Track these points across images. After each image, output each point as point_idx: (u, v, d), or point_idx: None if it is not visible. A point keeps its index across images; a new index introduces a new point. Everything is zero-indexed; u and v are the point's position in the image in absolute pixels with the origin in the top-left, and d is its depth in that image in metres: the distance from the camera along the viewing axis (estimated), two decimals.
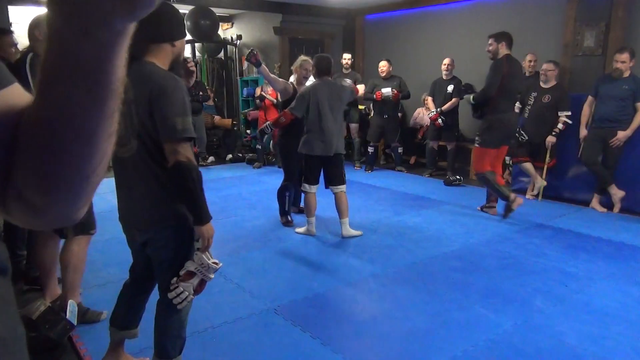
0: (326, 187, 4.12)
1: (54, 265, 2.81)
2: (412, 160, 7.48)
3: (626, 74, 4.65)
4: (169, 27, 1.80)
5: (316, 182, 4.07)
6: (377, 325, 2.68)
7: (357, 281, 3.24)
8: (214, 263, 1.91)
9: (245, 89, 8.25)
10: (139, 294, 2.15)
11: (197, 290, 1.91)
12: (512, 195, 4.46)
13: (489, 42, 4.48)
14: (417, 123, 7.22)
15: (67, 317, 2.45)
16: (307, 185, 4.05)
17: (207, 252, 1.90)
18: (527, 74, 5.87)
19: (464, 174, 6.37)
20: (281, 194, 4.40)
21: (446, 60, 6.31)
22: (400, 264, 3.53)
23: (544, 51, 5.75)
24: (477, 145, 4.63)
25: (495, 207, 4.81)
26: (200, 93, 7.03)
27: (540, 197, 5.30)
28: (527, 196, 5.44)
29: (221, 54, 8.53)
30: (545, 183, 5.25)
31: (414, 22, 7.60)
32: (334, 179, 4.03)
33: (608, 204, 4.91)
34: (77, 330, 2.49)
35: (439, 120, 6.27)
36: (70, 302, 2.64)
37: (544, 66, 5.13)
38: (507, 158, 5.85)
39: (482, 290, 3.07)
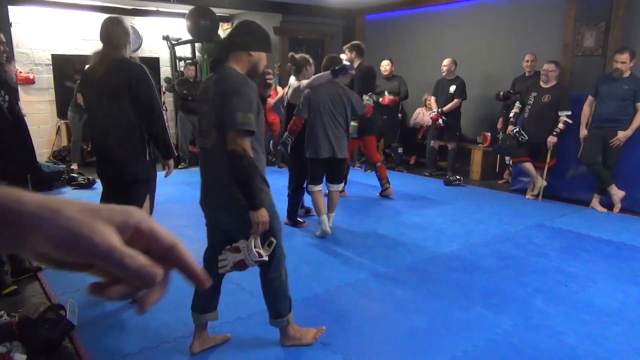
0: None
1: None
2: (412, 160, 7.48)
3: (626, 74, 4.65)
4: (249, 39, 2.13)
5: (320, 182, 4.13)
6: (377, 325, 2.68)
7: (357, 281, 3.24)
8: (258, 253, 2.02)
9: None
10: (212, 278, 2.26)
11: (236, 266, 2.05)
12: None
13: (346, 52, 5.06)
14: (417, 123, 7.22)
15: (67, 317, 2.45)
16: (312, 186, 4.09)
17: (257, 240, 2.03)
18: (526, 74, 5.88)
19: (464, 174, 6.37)
20: (295, 196, 4.38)
21: (446, 61, 6.30)
22: (400, 264, 3.53)
23: (544, 51, 5.75)
24: (366, 137, 5.21)
25: (389, 187, 5.37)
26: None
27: (540, 197, 5.30)
28: (527, 196, 5.44)
29: None
30: (545, 183, 5.25)
31: (414, 22, 7.60)
32: (333, 180, 4.13)
33: (608, 204, 4.91)
34: (77, 330, 2.49)
35: (440, 121, 6.27)
36: (70, 302, 2.64)
37: (545, 66, 5.13)
38: (507, 158, 5.86)
39: (482, 290, 3.07)
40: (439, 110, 6.29)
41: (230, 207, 2.12)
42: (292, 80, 4.36)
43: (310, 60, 4.19)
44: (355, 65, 4.82)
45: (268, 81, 2.98)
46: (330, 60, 4.12)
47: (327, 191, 4.19)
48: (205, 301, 2.34)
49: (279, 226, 2.24)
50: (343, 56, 6.92)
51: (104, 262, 0.37)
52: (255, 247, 2.02)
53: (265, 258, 2.06)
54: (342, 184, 4.21)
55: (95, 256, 0.37)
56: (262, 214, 2.02)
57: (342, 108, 3.95)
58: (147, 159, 2.80)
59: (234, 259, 2.04)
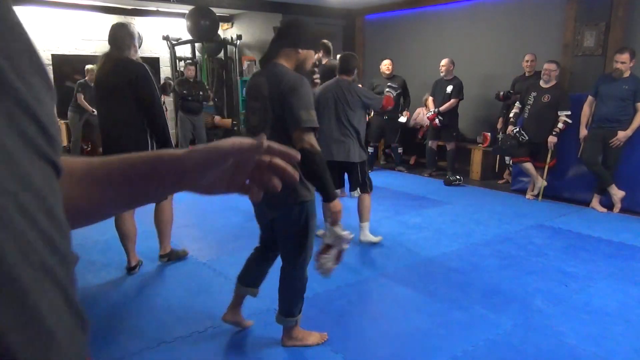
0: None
1: (135, 231, 3.25)
2: (412, 160, 7.48)
3: (626, 74, 4.65)
4: (296, 37, 2.18)
5: (336, 187, 3.92)
6: (377, 325, 2.68)
7: (357, 281, 3.24)
8: (346, 234, 2.13)
9: (245, 89, 8.24)
10: (263, 260, 2.49)
11: (336, 260, 2.16)
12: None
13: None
14: (418, 123, 7.22)
15: None
16: None
17: (338, 226, 2.11)
18: (526, 74, 5.88)
19: (464, 174, 6.37)
20: None
21: (444, 61, 6.29)
22: (400, 264, 3.53)
23: (544, 51, 5.75)
24: None
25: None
26: (201, 93, 7.03)
27: (540, 197, 5.30)
28: (527, 196, 5.44)
29: (221, 54, 8.53)
30: (545, 183, 5.25)
31: (414, 22, 7.60)
32: (350, 185, 3.91)
33: (608, 204, 4.91)
34: None
35: (436, 120, 6.28)
36: None
37: (546, 66, 5.12)
38: (507, 158, 5.86)
39: (482, 290, 3.07)
40: (435, 110, 6.30)
41: (270, 203, 2.19)
42: None
43: None
44: (325, 62, 4.78)
45: (315, 80, 3.00)
46: (346, 61, 3.76)
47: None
48: (253, 277, 2.50)
49: (314, 226, 2.28)
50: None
51: (230, 155, 0.58)
52: (342, 233, 2.12)
53: (352, 235, 2.17)
54: (357, 190, 3.87)
55: (223, 156, 0.58)
56: (337, 204, 2.10)
57: (346, 107, 3.67)
58: (149, 149, 3.01)
59: (332, 255, 2.14)
